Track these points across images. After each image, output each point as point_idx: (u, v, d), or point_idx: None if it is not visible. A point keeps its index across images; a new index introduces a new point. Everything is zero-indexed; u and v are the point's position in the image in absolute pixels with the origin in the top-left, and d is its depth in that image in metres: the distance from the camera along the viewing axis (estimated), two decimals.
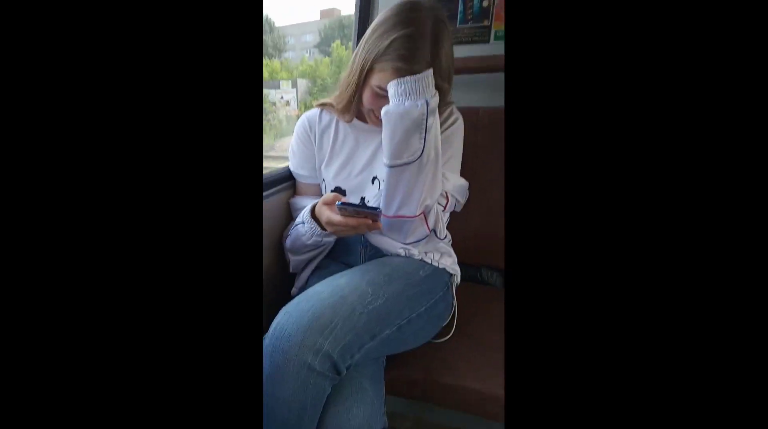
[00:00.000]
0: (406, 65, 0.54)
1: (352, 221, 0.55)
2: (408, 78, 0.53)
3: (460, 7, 0.90)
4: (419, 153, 0.55)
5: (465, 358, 0.63)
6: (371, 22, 0.71)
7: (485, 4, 0.89)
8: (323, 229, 0.61)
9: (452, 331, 0.68)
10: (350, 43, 1.01)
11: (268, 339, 0.47)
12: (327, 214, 0.57)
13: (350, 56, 0.65)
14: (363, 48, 0.58)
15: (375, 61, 0.56)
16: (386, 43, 0.55)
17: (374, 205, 0.59)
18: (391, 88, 0.54)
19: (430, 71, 0.54)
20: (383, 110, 0.55)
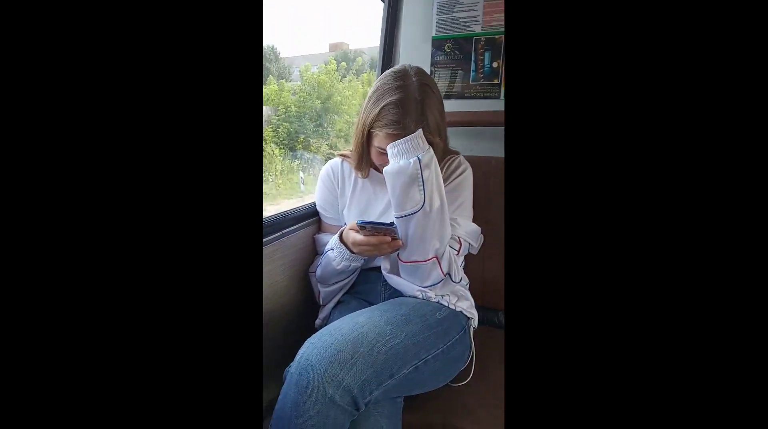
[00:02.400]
0: (396, 129, 0.62)
1: (373, 240, 0.63)
2: (400, 141, 0.60)
3: (473, 67, 0.99)
4: (421, 203, 0.60)
5: (483, 402, 0.63)
6: (395, 59, 0.79)
7: (495, 65, 0.97)
8: (351, 252, 0.67)
9: (470, 375, 0.68)
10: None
11: (293, 368, 0.50)
12: (353, 236, 0.65)
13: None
14: (362, 115, 0.67)
15: (372, 126, 0.65)
16: (378, 110, 0.63)
17: (390, 222, 0.64)
18: (389, 150, 0.62)
19: (420, 132, 0.61)
20: (384, 170, 0.63)
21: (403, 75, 0.65)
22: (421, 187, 0.60)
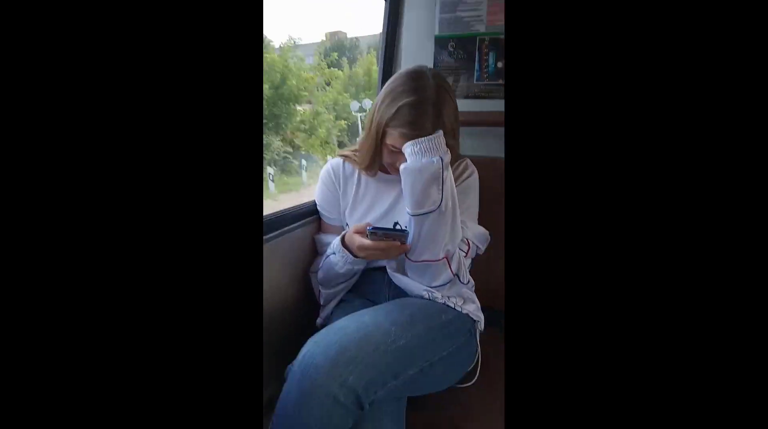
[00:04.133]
0: (413, 130, 0.62)
1: (382, 245, 0.62)
2: (422, 139, 0.60)
3: (477, 66, 0.99)
4: (438, 202, 0.60)
5: (487, 404, 0.63)
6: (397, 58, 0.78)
7: (500, 65, 0.96)
8: (355, 256, 0.66)
9: (476, 377, 0.68)
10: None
11: (297, 365, 0.50)
12: (358, 240, 0.64)
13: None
14: (376, 113, 0.66)
15: (386, 125, 0.64)
16: (394, 110, 0.63)
17: (402, 229, 0.64)
18: (408, 148, 0.61)
19: (441, 132, 0.61)
20: (401, 167, 0.62)
21: (420, 76, 0.65)
22: (440, 187, 0.60)
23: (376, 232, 0.62)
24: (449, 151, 0.62)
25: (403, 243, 0.63)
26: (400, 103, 0.62)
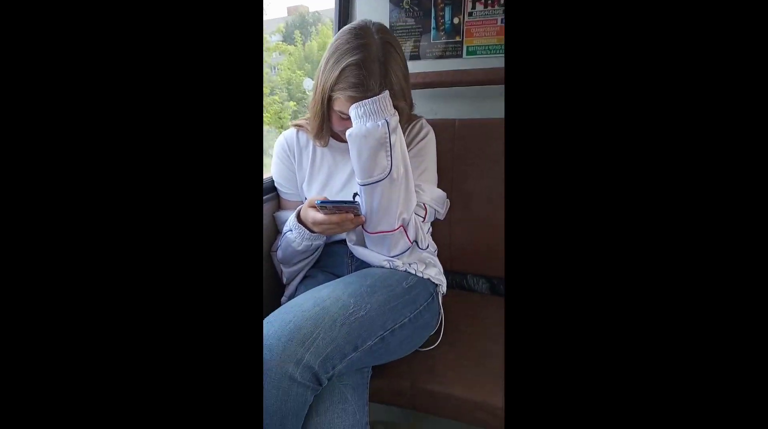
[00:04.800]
0: (359, 92, 0.58)
1: (335, 218, 0.60)
2: (366, 101, 0.56)
3: (433, 24, 0.94)
4: (388, 170, 0.58)
5: (452, 365, 0.64)
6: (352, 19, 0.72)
7: (456, 21, 0.92)
8: (311, 231, 0.64)
9: (439, 340, 0.69)
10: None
11: None
12: (312, 215, 0.62)
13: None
14: (320, 78, 0.62)
15: (332, 89, 0.60)
16: (338, 72, 0.58)
17: (352, 200, 0.62)
18: (352, 111, 0.58)
19: (386, 93, 0.57)
20: (347, 133, 0.59)
21: (364, 32, 0.60)
22: (389, 153, 0.57)
23: (325, 206, 0.60)
24: (397, 113, 0.59)
25: (357, 214, 0.61)
26: (344, 64, 0.58)
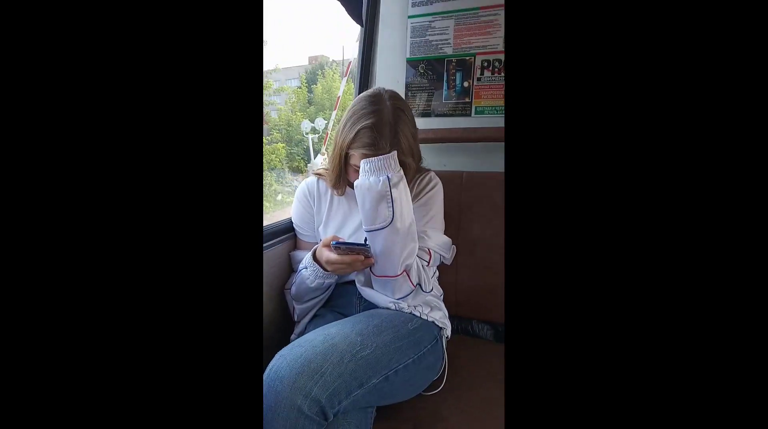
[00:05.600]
0: (371, 151, 0.66)
1: (347, 258, 0.66)
2: (373, 158, 0.64)
3: (445, 86, 1.04)
4: (390, 219, 0.64)
5: (455, 411, 0.65)
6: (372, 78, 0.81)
7: (466, 84, 1.02)
8: (325, 270, 0.69)
9: (443, 384, 0.70)
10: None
11: (264, 379, 0.51)
12: (326, 254, 0.67)
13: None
14: (339, 136, 0.71)
15: (348, 147, 0.69)
16: (354, 133, 0.67)
17: (364, 243, 0.67)
18: (362, 165, 0.66)
19: (394, 153, 0.65)
20: (355, 184, 0.66)
21: (377, 99, 0.69)
22: (390, 205, 0.64)
23: (339, 247, 0.66)
24: (401, 170, 0.66)
25: (368, 256, 0.66)
26: (359, 126, 0.67)
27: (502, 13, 0.97)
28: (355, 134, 0.67)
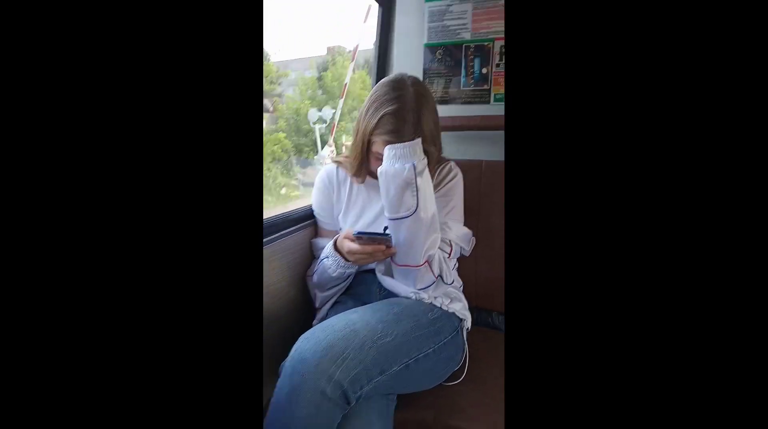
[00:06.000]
0: (394, 137, 0.65)
1: (368, 248, 0.65)
2: (399, 144, 0.63)
3: (463, 72, 1.01)
4: (414, 208, 0.63)
5: (475, 401, 0.64)
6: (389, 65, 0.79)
7: (484, 71, 0.99)
8: (346, 260, 0.69)
9: (464, 375, 0.70)
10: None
11: (288, 362, 0.52)
12: (348, 245, 0.67)
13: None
14: (361, 123, 0.69)
15: (371, 134, 0.67)
16: (376, 119, 0.66)
17: (386, 233, 0.66)
18: (386, 151, 0.64)
19: (419, 140, 0.63)
20: (379, 170, 0.65)
21: (400, 85, 0.68)
22: (415, 193, 0.62)
23: (361, 236, 0.65)
24: (425, 158, 0.64)
25: (389, 246, 0.65)
26: (382, 113, 0.65)
27: None
28: (378, 120, 0.66)
